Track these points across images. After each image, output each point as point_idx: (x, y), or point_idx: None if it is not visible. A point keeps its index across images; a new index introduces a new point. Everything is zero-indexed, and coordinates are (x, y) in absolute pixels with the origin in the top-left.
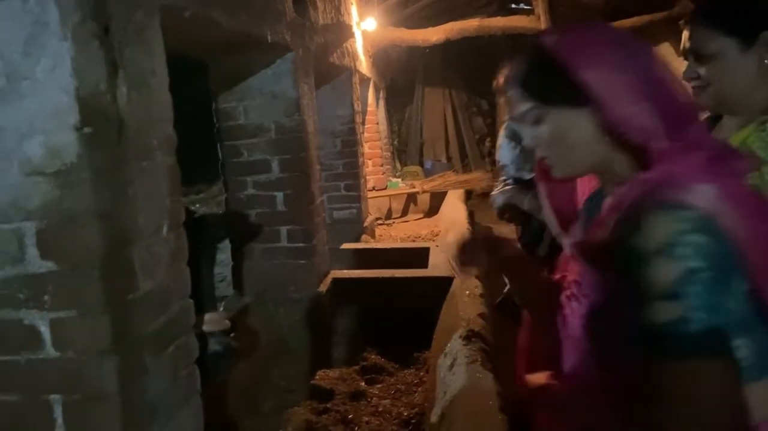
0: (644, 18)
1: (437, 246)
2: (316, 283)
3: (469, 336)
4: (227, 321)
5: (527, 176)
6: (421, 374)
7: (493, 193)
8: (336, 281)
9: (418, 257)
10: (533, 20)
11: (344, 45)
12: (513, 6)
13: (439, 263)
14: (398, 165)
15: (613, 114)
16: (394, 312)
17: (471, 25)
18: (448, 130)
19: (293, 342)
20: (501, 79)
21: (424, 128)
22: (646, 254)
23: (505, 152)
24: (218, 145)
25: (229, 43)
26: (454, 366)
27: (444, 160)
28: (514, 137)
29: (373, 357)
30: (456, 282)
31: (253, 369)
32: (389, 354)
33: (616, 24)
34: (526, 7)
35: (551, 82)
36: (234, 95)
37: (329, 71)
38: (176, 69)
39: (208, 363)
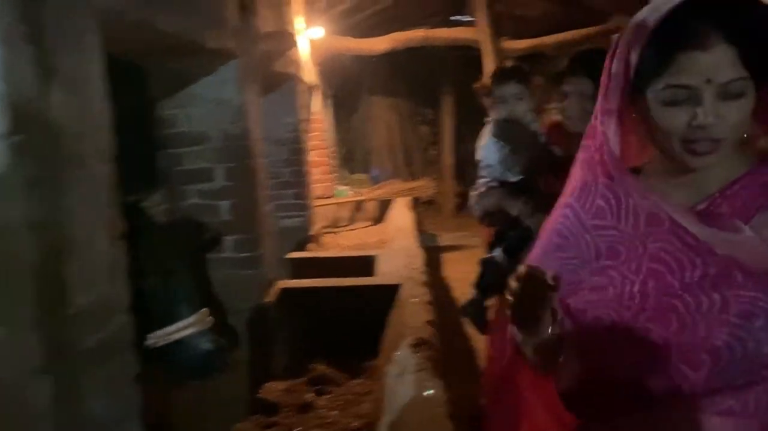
0: (582, 32)
1: (384, 254)
2: (263, 293)
3: (417, 344)
4: (210, 318)
5: (512, 178)
6: (370, 383)
7: (473, 194)
8: (284, 290)
9: (366, 265)
10: (476, 32)
11: (289, 53)
12: (457, 18)
13: (386, 271)
14: (345, 173)
15: None
16: (343, 321)
17: (416, 35)
18: (394, 138)
19: (240, 354)
20: (486, 81)
21: (371, 136)
22: None
23: (491, 151)
24: (160, 153)
25: (170, 49)
26: (402, 375)
27: (390, 168)
28: (502, 136)
29: (321, 367)
30: (404, 290)
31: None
32: (338, 364)
33: (555, 37)
34: (470, 19)
35: None
36: (176, 102)
37: (274, 79)
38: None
39: (202, 363)
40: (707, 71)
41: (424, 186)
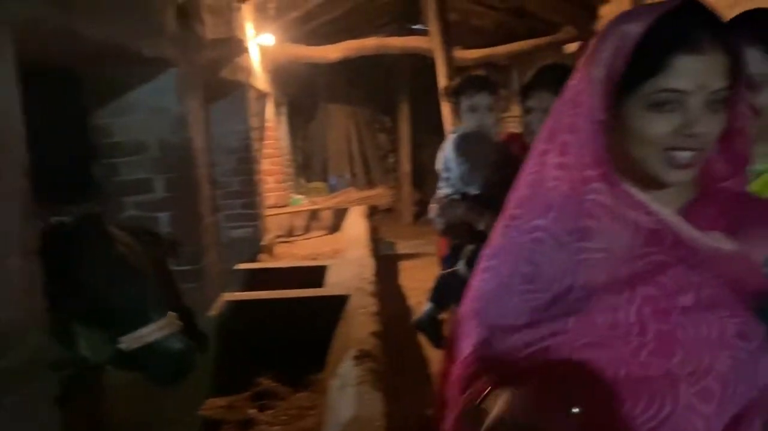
0: (531, 42)
1: (335, 264)
2: (205, 307)
3: (360, 356)
4: (179, 321)
5: (473, 191)
6: (315, 397)
7: (433, 205)
8: (228, 304)
9: (316, 276)
10: (428, 41)
11: (238, 60)
12: (411, 26)
13: (335, 282)
14: (302, 181)
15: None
16: (289, 334)
17: (369, 44)
18: (352, 146)
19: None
20: (452, 84)
21: (328, 144)
22: None
23: (451, 165)
24: (94, 163)
25: (100, 57)
26: (343, 388)
27: (348, 176)
28: (464, 152)
29: (265, 382)
30: (352, 301)
31: (138, 400)
32: (283, 377)
33: (507, 47)
34: (424, 27)
35: None
36: (111, 110)
37: (222, 87)
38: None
39: (174, 363)
40: (702, 76)
41: (381, 194)
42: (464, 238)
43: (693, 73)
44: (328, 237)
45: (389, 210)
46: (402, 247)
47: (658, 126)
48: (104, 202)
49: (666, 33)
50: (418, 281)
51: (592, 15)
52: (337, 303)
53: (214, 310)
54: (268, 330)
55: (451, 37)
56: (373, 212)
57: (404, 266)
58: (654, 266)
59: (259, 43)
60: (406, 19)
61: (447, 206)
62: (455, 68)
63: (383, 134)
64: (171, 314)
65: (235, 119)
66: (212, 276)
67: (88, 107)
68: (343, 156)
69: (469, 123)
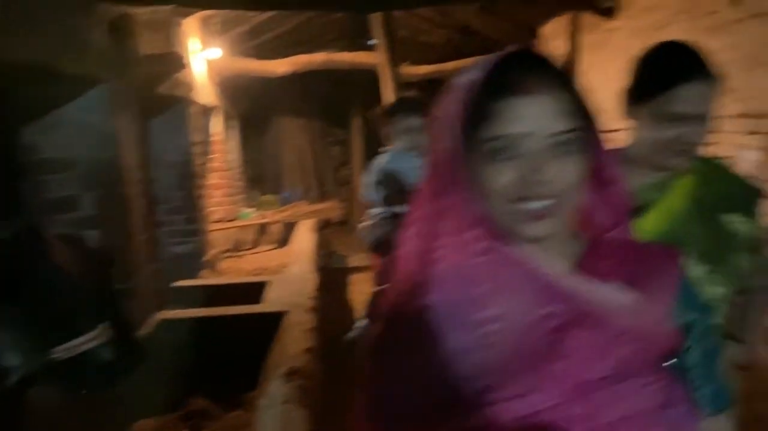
0: (476, 59)
1: (276, 280)
2: (138, 326)
3: (289, 374)
4: (111, 331)
5: (400, 210)
6: (247, 416)
7: (363, 225)
8: (163, 322)
9: (257, 291)
10: (376, 56)
11: (179, 75)
12: (363, 41)
13: (274, 298)
14: (255, 195)
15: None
16: (226, 352)
17: (318, 59)
18: (306, 159)
19: (109, 395)
20: (386, 106)
21: (282, 157)
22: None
23: (372, 193)
24: (20, 181)
25: (23, 75)
26: (269, 407)
27: (301, 189)
28: (383, 181)
29: (198, 401)
30: (289, 317)
31: (65, 423)
32: (217, 396)
33: (454, 63)
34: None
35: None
36: (40, 128)
37: (162, 101)
38: None
39: (104, 373)
40: (534, 119)
41: (332, 207)
42: (389, 253)
43: (523, 116)
44: (276, 251)
45: (343, 223)
46: (354, 260)
47: (500, 176)
48: (32, 219)
49: (494, 80)
50: (367, 294)
51: (533, 34)
52: (275, 320)
53: (147, 328)
54: (204, 348)
55: (398, 53)
56: (326, 226)
57: (355, 279)
58: (556, 331)
59: (206, 57)
60: (357, 34)
61: (376, 224)
62: (402, 84)
63: (337, 147)
64: (104, 325)
65: (175, 133)
66: (145, 294)
67: (14, 124)
68: (297, 169)
69: (403, 144)
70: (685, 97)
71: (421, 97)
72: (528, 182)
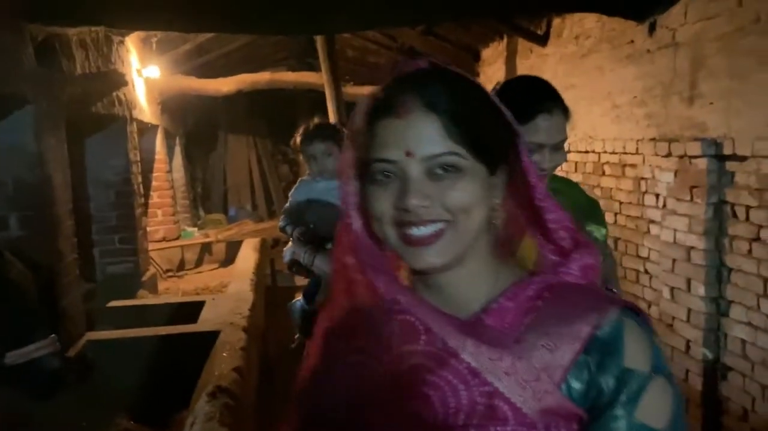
0: None
1: (213, 299)
2: (66, 347)
3: (214, 392)
4: (57, 344)
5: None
6: None
7: (286, 247)
8: (91, 343)
9: (194, 311)
10: (320, 76)
11: (116, 93)
12: (311, 61)
13: (209, 317)
14: (201, 213)
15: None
16: (158, 372)
17: (263, 78)
18: (254, 177)
19: (38, 415)
20: (299, 137)
21: (229, 175)
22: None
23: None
24: None
25: None
26: (193, 425)
27: (249, 207)
28: (292, 219)
29: (124, 423)
30: (222, 336)
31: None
32: (146, 418)
33: None
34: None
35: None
36: None
37: (98, 121)
38: None
39: (52, 379)
40: (406, 142)
41: (276, 226)
42: (301, 272)
43: (395, 138)
44: (219, 270)
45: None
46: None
47: (378, 200)
48: None
49: (375, 103)
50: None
51: (475, 57)
52: (209, 339)
53: (73, 350)
54: (135, 368)
55: (344, 74)
56: (273, 244)
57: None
58: (416, 371)
59: (145, 76)
60: (304, 54)
61: (290, 247)
62: (346, 104)
63: (285, 165)
64: (53, 335)
65: (113, 152)
66: (72, 316)
67: None
68: (244, 187)
69: (312, 170)
70: (544, 127)
71: (321, 123)
72: (402, 206)
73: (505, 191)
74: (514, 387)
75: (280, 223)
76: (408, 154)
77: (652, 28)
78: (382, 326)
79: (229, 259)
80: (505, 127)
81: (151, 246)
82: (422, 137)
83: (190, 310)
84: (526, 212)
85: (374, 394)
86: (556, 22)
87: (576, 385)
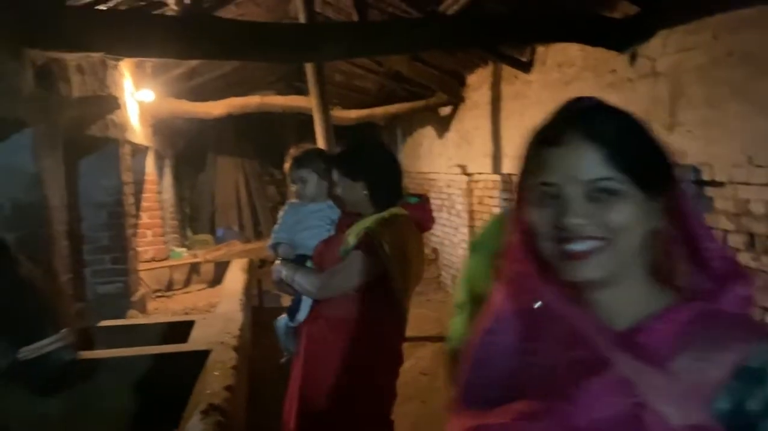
0: (407, 105)
1: (203, 319)
2: None
3: (207, 411)
4: (70, 336)
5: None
6: None
7: (274, 266)
8: (82, 362)
9: (183, 331)
10: (309, 100)
11: (110, 116)
12: (299, 84)
13: (199, 337)
14: (189, 233)
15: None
16: (147, 391)
17: (252, 102)
18: (241, 198)
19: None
20: (288, 164)
21: (217, 196)
22: None
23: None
24: None
25: None
26: None
27: (236, 228)
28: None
29: None
30: (212, 356)
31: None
32: None
33: (384, 108)
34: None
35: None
36: None
37: (92, 142)
38: None
39: (65, 372)
40: (569, 168)
41: (265, 247)
42: (287, 291)
43: (559, 165)
44: (207, 291)
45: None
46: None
47: (541, 219)
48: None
49: (540, 132)
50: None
51: (461, 82)
52: (199, 359)
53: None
54: (125, 387)
55: (331, 97)
56: (261, 265)
57: None
58: (570, 374)
59: (139, 99)
60: (293, 78)
61: (277, 265)
62: (334, 127)
63: (273, 186)
64: (65, 329)
65: (106, 173)
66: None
67: None
68: (232, 208)
69: (300, 194)
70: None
71: (312, 149)
72: (561, 225)
73: (663, 218)
74: (662, 402)
75: (269, 243)
76: (571, 179)
77: (633, 58)
78: (544, 330)
79: (216, 279)
80: (660, 156)
81: (140, 266)
82: (582, 164)
83: (180, 330)
84: (683, 239)
85: (528, 390)
86: (540, 50)
87: (723, 406)
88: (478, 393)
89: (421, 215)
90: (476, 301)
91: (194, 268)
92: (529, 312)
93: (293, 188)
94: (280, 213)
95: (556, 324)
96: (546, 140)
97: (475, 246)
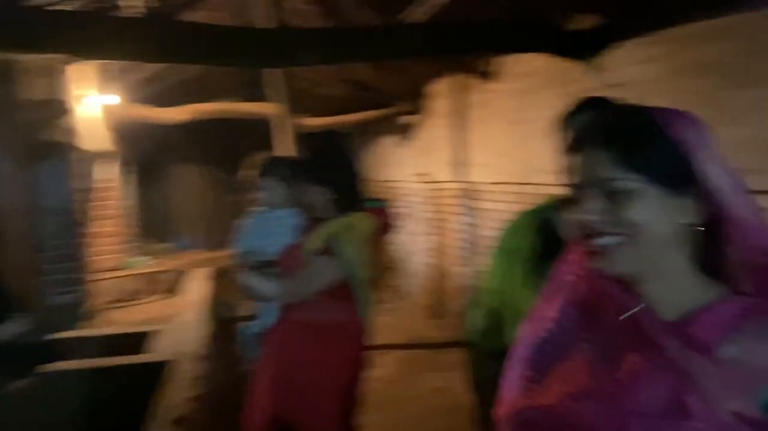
0: (371, 113)
1: (166, 328)
2: (9, 379)
3: (175, 422)
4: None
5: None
6: None
7: (240, 272)
8: (37, 376)
9: (143, 341)
10: (273, 107)
11: (66, 121)
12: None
13: (162, 347)
14: (150, 242)
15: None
16: (107, 404)
17: (216, 108)
18: (204, 206)
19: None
20: (248, 172)
21: (178, 204)
22: None
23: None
24: None
25: None
26: None
27: (198, 236)
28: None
29: None
30: (175, 365)
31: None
32: None
33: (349, 116)
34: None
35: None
36: None
37: (48, 147)
38: None
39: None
40: (586, 171)
41: (227, 256)
42: (251, 297)
43: (579, 169)
44: (168, 300)
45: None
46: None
47: (572, 218)
48: None
49: (564, 143)
50: None
51: (424, 92)
52: (159, 369)
53: (20, 382)
54: (82, 401)
55: (297, 105)
56: (222, 274)
57: None
58: (624, 358)
59: (103, 103)
60: (257, 85)
61: (244, 273)
62: (299, 135)
63: (234, 195)
64: (27, 314)
65: (60, 180)
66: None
67: None
68: (193, 216)
69: (265, 202)
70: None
71: (279, 159)
72: (582, 224)
73: (699, 213)
74: (707, 389)
75: (234, 250)
76: (590, 179)
77: (596, 69)
78: (600, 319)
79: (177, 289)
80: (675, 152)
81: (97, 276)
82: (596, 166)
83: (141, 340)
84: (726, 235)
85: (578, 373)
86: (504, 60)
87: (765, 399)
88: (531, 372)
89: (384, 219)
90: (501, 299)
91: (154, 277)
92: (587, 303)
93: (258, 195)
94: (245, 221)
95: (611, 313)
96: (569, 148)
97: (500, 247)
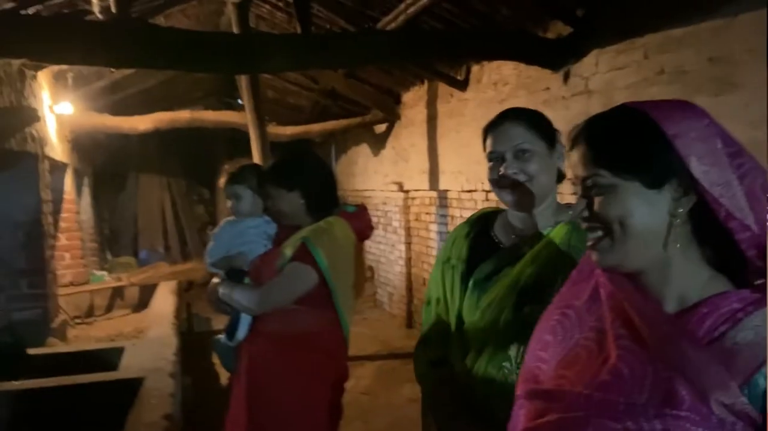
0: (343, 122)
1: (134, 345)
2: None
3: None
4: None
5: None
6: None
7: (212, 281)
8: (1, 395)
9: (111, 358)
10: (243, 116)
11: (29, 130)
12: (230, 100)
13: (131, 364)
14: (109, 256)
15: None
16: (75, 425)
17: (182, 116)
18: (167, 218)
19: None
20: (223, 180)
21: (140, 216)
22: None
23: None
24: None
25: None
26: None
27: (162, 250)
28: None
29: None
30: (146, 383)
31: None
32: None
33: (320, 125)
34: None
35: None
36: None
37: (9, 158)
38: None
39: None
40: (574, 168)
41: (195, 268)
42: (223, 310)
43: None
44: (133, 316)
45: (204, 285)
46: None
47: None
48: None
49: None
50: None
51: (396, 100)
52: (131, 387)
53: None
54: (50, 421)
55: (265, 114)
56: (189, 287)
57: None
58: (618, 351)
59: (57, 113)
60: (224, 93)
61: (214, 284)
62: (269, 144)
63: (201, 206)
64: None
65: (23, 191)
66: None
67: None
68: (156, 229)
69: (235, 210)
70: (492, 138)
71: (248, 165)
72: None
73: (684, 207)
74: (697, 378)
75: (207, 261)
76: (575, 176)
77: (566, 77)
78: (604, 310)
79: (142, 303)
80: (646, 149)
81: (59, 291)
82: (579, 164)
83: (108, 357)
84: (716, 229)
85: (577, 360)
86: (475, 68)
87: (761, 383)
88: (544, 353)
89: (359, 223)
90: (443, 308)
91: (117, 292)
92: (596, 293)
93: (228, 204)
94: (215, 230)
95: (614, 304)
96: (570, 147)
97: (438, 258)
